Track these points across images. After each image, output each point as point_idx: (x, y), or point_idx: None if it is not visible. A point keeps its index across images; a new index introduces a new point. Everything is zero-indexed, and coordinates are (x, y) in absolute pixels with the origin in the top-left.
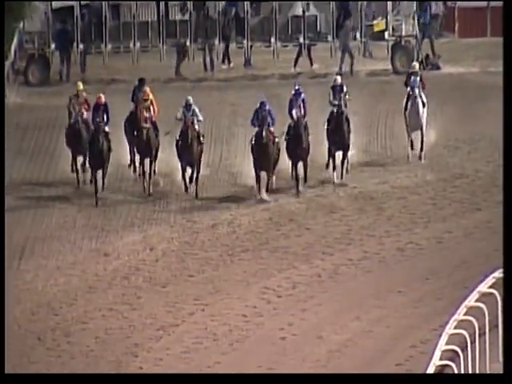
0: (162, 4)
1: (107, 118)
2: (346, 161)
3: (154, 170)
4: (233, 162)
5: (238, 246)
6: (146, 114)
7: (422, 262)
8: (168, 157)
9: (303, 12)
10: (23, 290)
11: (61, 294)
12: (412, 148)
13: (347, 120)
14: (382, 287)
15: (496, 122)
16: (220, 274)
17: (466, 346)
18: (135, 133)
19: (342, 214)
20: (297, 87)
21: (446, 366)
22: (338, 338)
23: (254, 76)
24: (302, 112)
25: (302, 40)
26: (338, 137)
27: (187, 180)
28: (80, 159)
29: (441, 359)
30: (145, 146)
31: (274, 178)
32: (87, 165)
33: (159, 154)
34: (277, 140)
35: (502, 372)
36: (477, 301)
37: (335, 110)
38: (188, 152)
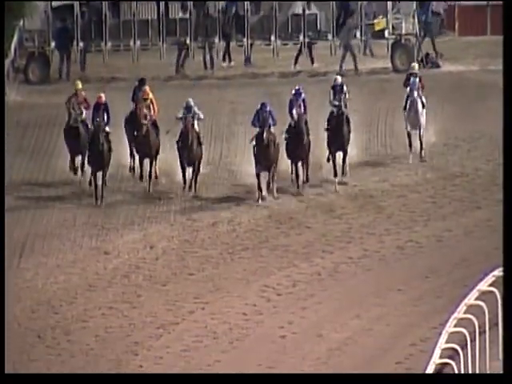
0: (162, 2)
1: (108, 118)
2: (345, 160)
3: (156, 170)
4: (233, 160)
5: (238, 245)
6: (146, 112)
7: (421, 260)
8: (168, 156)
9: (303, 10)
10: (23, 288)
11: (61, 292)
12: (411, 150)
13: (347, 120)
14: (382, 285)
15: (496, 120)
16: (220, 273)
17: (466, 345)
18: (135, 133)
19: (342, 212)
20: (297, 87)
21: (446, 364)
22: (338, 336)
23: (253, 74)
24: (303, 111)
25: (302, 38)
26: (338, 137)
27: (187, 179)
28: (79, 159)
29: (441, 357)
30: (144, 143)
31: (275, 178)
32: (86, 165)
33: (160, 153)
34: (277, 141)
35: (501, 370)
36: (477, 299)
37: (335, 111)
38: (188, 153)
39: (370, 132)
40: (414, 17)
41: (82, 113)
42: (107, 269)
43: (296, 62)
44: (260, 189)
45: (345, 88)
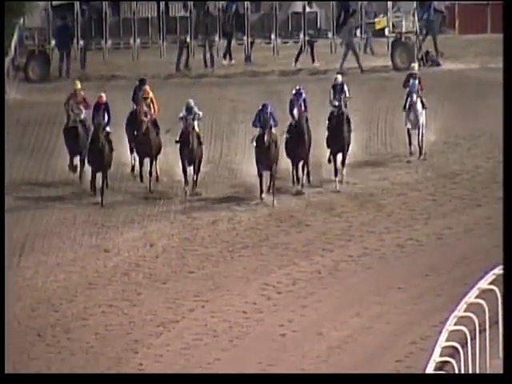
0: (162, 0)
1: (108, 117)
2: (346, 160)
3: (156, 170)
4: (233, 159)
5: (238, 243)
6: (146, 110)
7: (421, 259)
8: (168, 155)
9: (303, 8)
10: (23, 287)
11: (61, 291)
12: (410, 152)
13: (348, 120)
14: (382, 284)
15: (496, 118)
16: (220, 271)
17: (466, 343)
18: (135, 132)
19: (342, 210)
20: (298, 87)
21: (446, 362)
22: (337, 335)
23: (254, 72)
24: (303, 110)
25: (302, 36)
26: (338, 137)
27: (187, 179)
28: (78, 159)
29: (441, 356)
30: (145, 142)
31: (275, 178)
32: (86, 165)
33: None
34: (278, 141)
35: (501, 368)
36: (477, 297)
37: (336, 111)
38: (189, 153)
39: (370, 130)
40: (414, 15)
41: (80, 113)
42: (107, 267)
43: (297, 60)
44: (261, 188)
45: (345, 87)
